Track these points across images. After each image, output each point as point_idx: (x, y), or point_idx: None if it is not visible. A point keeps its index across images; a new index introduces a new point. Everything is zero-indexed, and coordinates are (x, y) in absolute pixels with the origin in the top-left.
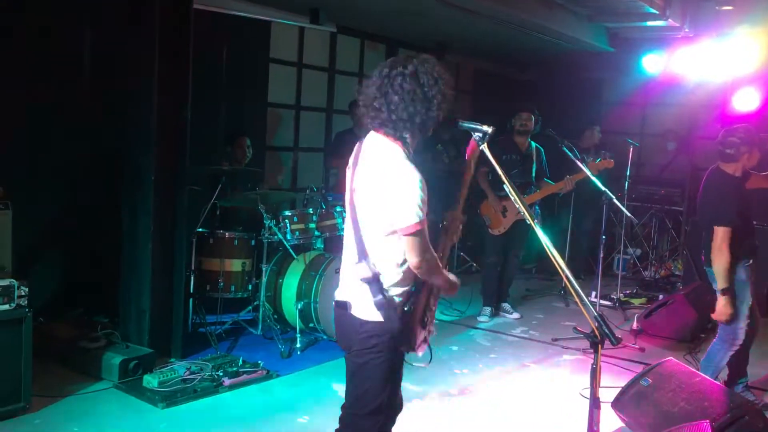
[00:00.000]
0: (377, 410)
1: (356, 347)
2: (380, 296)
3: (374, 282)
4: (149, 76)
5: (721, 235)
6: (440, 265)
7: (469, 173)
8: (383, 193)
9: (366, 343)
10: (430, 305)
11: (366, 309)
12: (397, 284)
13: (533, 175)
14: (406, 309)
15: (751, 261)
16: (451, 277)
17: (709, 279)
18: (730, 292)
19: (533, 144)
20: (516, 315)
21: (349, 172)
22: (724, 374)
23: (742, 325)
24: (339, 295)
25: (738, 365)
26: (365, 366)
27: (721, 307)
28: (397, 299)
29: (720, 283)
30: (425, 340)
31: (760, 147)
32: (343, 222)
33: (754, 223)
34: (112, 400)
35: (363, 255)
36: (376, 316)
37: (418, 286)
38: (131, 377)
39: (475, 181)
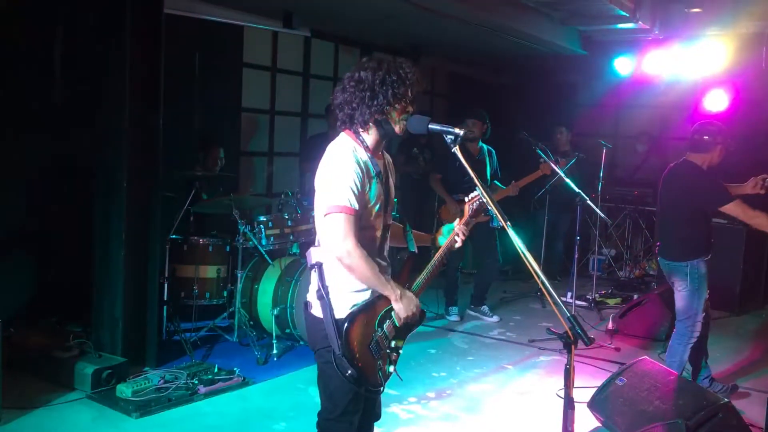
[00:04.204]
0: (348, 411)
1: (318, 346)
2: (319, 286)
3: (318, 269)
4: (121, 81)
5: (732, 209)
6: (375, 266)
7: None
8: (321, 177)
9: (325, 342)
10: (385, 328)
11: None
12: (338, 279)
13: (488, 178)
14: (338, 310)
15: (709, 256)
16: (407, 293)
17: (667, 273)
18: None
19: (485, 147)
20: (495, 318)
21: None
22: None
23: (700, 318)
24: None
25: (697, 358)
26: (327, 365)
27: None
28: (336, 299)
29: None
30: (382, 371)
31: (728, 146)
32: None
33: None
34: (85, 411)
35: (316, 243)
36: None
37: (369, 300)
38: (104, 387)
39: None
